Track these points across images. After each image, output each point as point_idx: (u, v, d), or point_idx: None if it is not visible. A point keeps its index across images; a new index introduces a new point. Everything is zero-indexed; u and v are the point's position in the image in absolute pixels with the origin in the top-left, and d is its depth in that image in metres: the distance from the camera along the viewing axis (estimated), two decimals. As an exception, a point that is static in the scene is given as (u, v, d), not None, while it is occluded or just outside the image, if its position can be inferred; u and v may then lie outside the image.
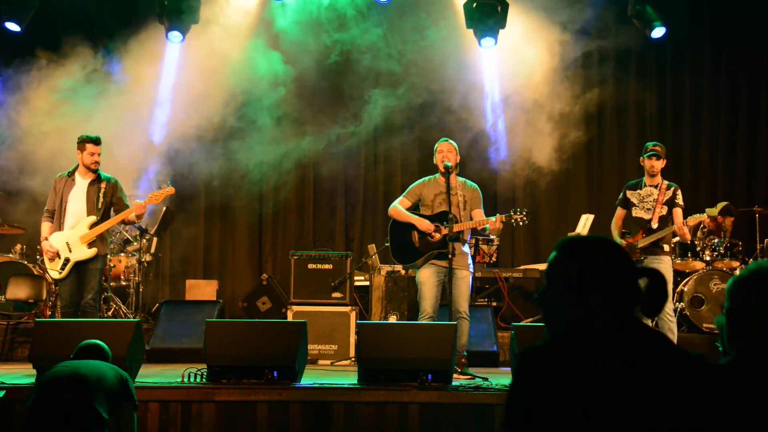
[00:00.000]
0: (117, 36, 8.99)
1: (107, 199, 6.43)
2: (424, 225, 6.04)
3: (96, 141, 6.42)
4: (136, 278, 8.37)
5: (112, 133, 8.26)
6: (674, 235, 6.38)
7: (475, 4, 8.68)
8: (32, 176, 8.50)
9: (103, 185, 6.43)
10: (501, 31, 8.87)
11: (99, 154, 6.42)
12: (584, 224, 8.72)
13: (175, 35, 8.63)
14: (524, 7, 9.08)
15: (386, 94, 9.51)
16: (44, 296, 7.67)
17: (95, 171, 6.46)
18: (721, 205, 8.09)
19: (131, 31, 9.03)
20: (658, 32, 8.88)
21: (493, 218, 5.97)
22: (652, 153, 6.32)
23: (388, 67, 9.39)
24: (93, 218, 6.34)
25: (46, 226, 6.46)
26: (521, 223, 6.01)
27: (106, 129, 8.25)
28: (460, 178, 6.22)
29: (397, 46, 9.30)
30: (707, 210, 6.34)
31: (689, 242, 7.75)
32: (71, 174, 6.48)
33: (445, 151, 6.11)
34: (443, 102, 9.21)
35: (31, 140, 8.69)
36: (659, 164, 6.37)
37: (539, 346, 1.99)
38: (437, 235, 5.99)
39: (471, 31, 9.00)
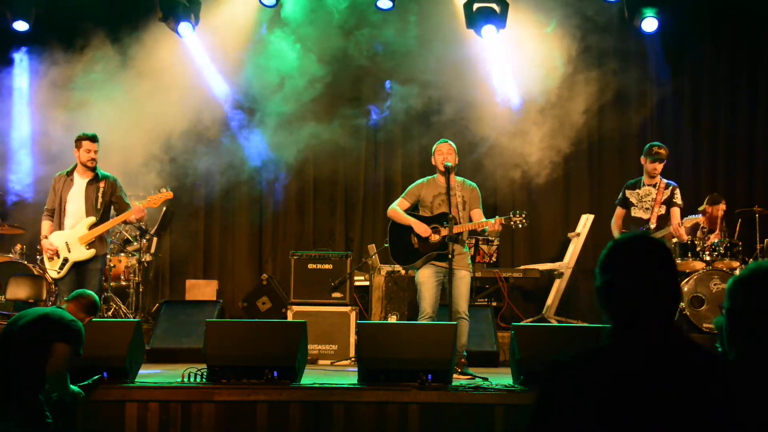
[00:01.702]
0: (123, 29, 8.97)
1: (106, 199, 6.43)
2: (422, 229, 6.04)
3: (93, 138, 6.41)
4: (136, 278, 8.37)
5: (115, 130, 8.27)
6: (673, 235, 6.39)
7: (474, 6, 8.67)
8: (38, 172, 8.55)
9: (101, 184, 6.43)
10: (501, 31, 8.85)
11: (96, 152, 6.42)
12: (584, 224, 8.73)
13: (184, 28, 8.58)
14: (523, 7, 9.07)
15: (386, 95, 9.50)
16: (44, 296, 7.67)
17: (93, 169, 6.45)
18: (706, 199, 8.15)
19: (136, 25, 9.01)
20: (649, 25, 8.74)
21: (492, 220, 5.97)
22: (656, 158, 6.28)
23: (388, 69, 9.38)
24: (92, 219, 6.34)
25: (45, 225, 6.47)
26: (520, 226, 6.02)
27: (110, 126, 8.28)
28: (459, 178, 6.22)
29: (400, 47, 9.30)
30: (699, 209, 6.36)
31: (688, 243, 7.76)
32: (70, 173, 6.48)
33: (445, 152, 6.11)
34: (444, 103, 9.20)
35: (36, 137, 8.73)
36: (661, 167, 6.36)
37: (572, 355, 1.98)
38: (437, 237, 5.99)
39: (472, 33, 8.98)
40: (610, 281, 1.98)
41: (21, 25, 8.67)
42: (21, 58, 9.13)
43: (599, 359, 1.95)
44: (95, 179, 6.45)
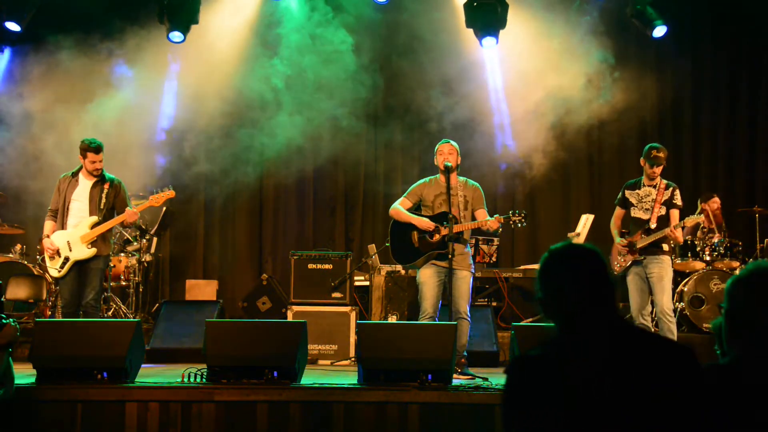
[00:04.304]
0: (121, 31, 8.97)
1: (110, 201, 6.45)
2: (423, 223, 6.05)
3: (96, 149, 6.38)
4: (136, 278, 8.37)
5: (114, 130, 8.29)
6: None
7: (475, 4, 8.68)
8: (30, 173, 8.55)
9: (106, 186, 6.45)
10: (501, 31, 8.86)
11: (101, 161, 6.42)
12: (584, 224, 8.72)
13: (176, 35, 8.62)
14: (524, 7, 9.08)
15: (387, 94, 9.50)
16: (44, 296, 7.68)
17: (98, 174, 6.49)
18: (698, 201, 8.19)
19: (136, 26, 9.02)
20: (659, 31, 8.86)
21: (491, 219, 5.98)
22: (654, 162, 6.26)
23: (388, 66, 9.38)
24: (95, 218, 6.36)
25: (48, 225, 6.49)
26: (519, 225, 6.02)
27: (110, 125, 8.29)
28: (461, 178, 6.23)
29: (400, 44, 9.31)
30: (698, 213, 6.36)
31: (688, 242, 7.78)
32: (75, 174, 6.51)
33: (446, 153, 6.12)
34: (444, 102, 9.20)
35: (30, 138, 8.74)
36: (660, 170, 6.36)
37: (529, 351, 2.10)
38: (437, 236, 6.00)
39: (471, 31, 9.00)
40: (558, 288, 2.12)
41: (12, 26, 8.69)
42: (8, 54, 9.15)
43: (561, 351, 2.04)
44: (100, 181, 6.48)
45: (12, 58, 9.22)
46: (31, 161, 8.68)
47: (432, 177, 6.30)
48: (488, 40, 8.75)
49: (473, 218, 6.11)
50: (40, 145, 8.63)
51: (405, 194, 6.31)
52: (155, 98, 9.05)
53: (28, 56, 8.98)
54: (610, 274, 2.15)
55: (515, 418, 2.01)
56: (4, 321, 4.55)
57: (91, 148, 6.39)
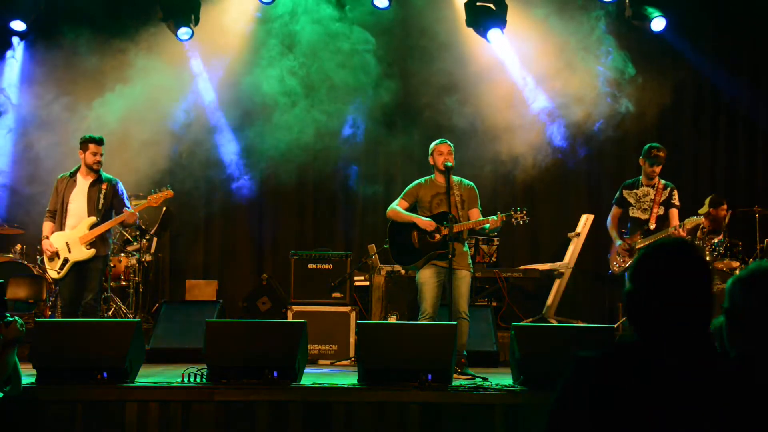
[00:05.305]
0: (133, 30, 8.97)
1: (108, 201, 6.46)
2: (425, 223, 6.03)
3: (99, 141, 6.44)
4: (136, 278, 8.37)
5: (115, 129, 8.29)
6: (674, 235, 6.38)
7: (476, 3, 8.69)
8: (32, 172, 8.56)
9: (104, 186, 6.46)
10: (502, 31, 8.87)
11: (102, 155, 6.45)
12: (584, 224, 8.72)
13: (183, 33, 8.63)
14: (523, 7, 9.08)
15: (387, 93, 9.49)
16: (44, 296, 7.68)
17: (97, 171, 6.49)
18: (707, 201, 8.14)
19: (149, 25, 9.01)
20: (658, 23, 8.81)
21: (493, 217, 5.98)
22: (654, 161, 6.27)
23: (389, 65, 9.37)
24: (93, 219, 6.36)
25: (47, 226, 6.49)
26: (522, 222, 6.01)
27: (111, 125, 8.29)
28: (456, 177, 6.21)
29: (400, 44, 9.31)
30: (699, 212, 6.35)
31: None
32: (73, 175, 6.52)
33: (446, 153, 6.11)
34: (442, 101, 9.20)
35: (33, 136, 8.75)
36: (659, 169, 6.37)
37: (591, 353, 1.96)
38: (437, 236, 5.99)
39: (472, 30, 9.00)
40: (635, 290, 1.98)
41: (18, 25, 8.70)
42: (14, 54, 9.15)
43: (624, 357, 1.95)
44: (98, 181, 6.48)
45: (14, 56, 9.22)
46: (32, 160, 8.68)
47: (427, 177, 6.29)
48: (493, 32, 8.72)
49: (468, 218, 6.10)
50: (42, 143, 8.64)
51: (401, 196, 6.30)
52: (156, 98, 9.03)
53: (32, 55, 8.99)
54: (711, 289, 1.96)
55: (570, 421, 1.93)
56: (9, 318, 4.58)
57: (94, 139, 6.44)
